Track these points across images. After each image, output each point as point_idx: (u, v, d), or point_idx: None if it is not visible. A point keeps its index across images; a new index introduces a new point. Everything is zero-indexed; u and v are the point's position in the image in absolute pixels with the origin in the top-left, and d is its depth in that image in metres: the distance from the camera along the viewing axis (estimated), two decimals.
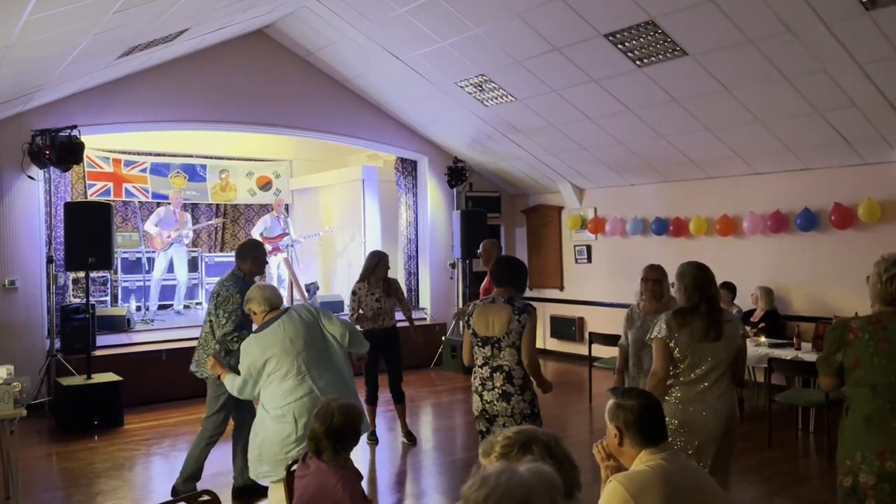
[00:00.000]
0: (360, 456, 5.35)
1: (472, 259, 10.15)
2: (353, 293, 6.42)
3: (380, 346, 6.11)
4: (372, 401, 6.37)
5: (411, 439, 6.45)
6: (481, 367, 3.98)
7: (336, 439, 2.86)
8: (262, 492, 4.54)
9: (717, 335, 3.49)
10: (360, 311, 6.30)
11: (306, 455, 2.93)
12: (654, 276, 4.45)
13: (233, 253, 11.91)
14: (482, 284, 6.87)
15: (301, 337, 3.83)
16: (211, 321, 4.85)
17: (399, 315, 6.75)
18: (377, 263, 6.39)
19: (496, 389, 3.91)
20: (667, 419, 3.45)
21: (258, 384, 3.82)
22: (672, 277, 3.85)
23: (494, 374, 3.92)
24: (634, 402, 2.36)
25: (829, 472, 4.53)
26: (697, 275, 3.57)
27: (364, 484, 3.02)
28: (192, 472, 4.96)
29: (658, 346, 3.56)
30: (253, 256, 4.96)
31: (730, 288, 7.73)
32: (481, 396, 3.97)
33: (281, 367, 3.76)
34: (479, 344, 3.99)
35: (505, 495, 1.38)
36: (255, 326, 4.10)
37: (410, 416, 6.99)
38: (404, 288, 9.39)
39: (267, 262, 5.11)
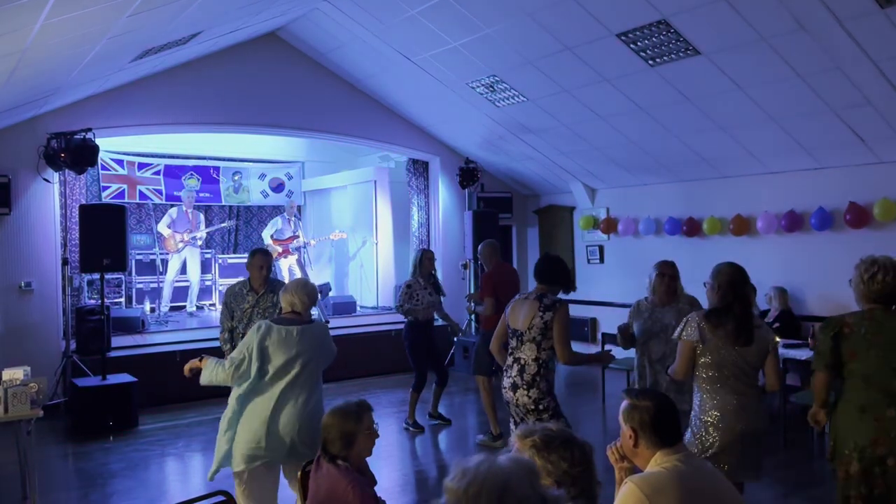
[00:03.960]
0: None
1: None
2: (408, 286, 6.83)
3: (425, 337, 6.82)
4: (418, 388, 6.78)
5: (444, 419, 7.00)
6: (509, 355, 4.24)
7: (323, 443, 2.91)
8: None
9: (748, 340, 3.46)
10: (413, 303, 6.72)
11: (320, 457, 2.94)
12: (670, 272, 4.57)
13: (247, 254, 12.13)
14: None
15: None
16: None
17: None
18: (420, 259, 6.90)
19: (510, 379, 4.17)
20: (702, 416, 3.45)
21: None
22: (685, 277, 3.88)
23: (513, 365, 4.17)
24: (650, 402, 2.35)
25: None
26: (734, 275, 3.55)
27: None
28: None
29: (684, 348, 3.54)
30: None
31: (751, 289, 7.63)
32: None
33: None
34: (510, 335, 4.24)
35: (486, 483, 1.44)
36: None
37: (423, 420, 6.99)
38: None
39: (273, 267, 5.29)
